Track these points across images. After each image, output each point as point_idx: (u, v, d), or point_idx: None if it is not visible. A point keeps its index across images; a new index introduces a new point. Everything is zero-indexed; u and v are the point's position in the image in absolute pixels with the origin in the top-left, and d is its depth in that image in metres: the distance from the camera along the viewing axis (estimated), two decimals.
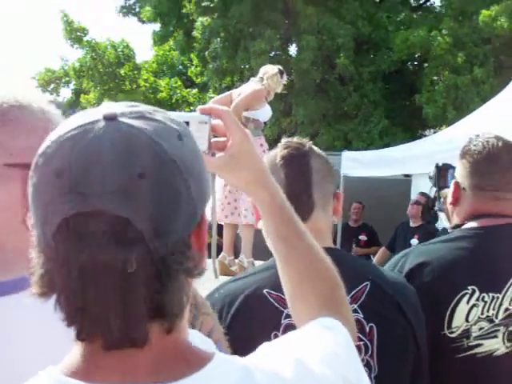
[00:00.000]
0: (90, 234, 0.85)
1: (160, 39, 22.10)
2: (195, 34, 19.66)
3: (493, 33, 15.97)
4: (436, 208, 4.85)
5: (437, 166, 4.54)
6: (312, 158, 1.99)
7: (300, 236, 1.33)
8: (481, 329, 2.20)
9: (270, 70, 7.04)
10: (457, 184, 2.41)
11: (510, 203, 2.34)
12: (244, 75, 17.28)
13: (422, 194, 8.21)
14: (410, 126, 18.01)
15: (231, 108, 6.49)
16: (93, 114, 0.91)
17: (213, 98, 16.00)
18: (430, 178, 4.62)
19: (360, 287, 1.91)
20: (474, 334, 2.19)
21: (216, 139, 1.36)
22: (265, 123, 7.38)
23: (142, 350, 0.89)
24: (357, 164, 10.63)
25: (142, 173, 0.86)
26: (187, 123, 1.06)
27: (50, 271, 0.89)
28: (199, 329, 1.36)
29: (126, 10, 22.76)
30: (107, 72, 19.39)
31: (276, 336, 1.79)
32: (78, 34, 19.65)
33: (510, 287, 2.22)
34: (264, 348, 1.05)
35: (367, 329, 1.89)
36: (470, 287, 2.20)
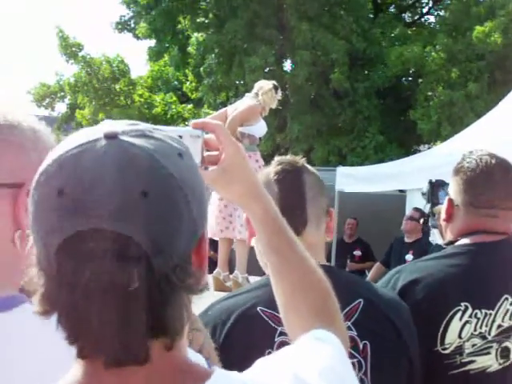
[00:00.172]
0: (92, 253, 0.85)
1: (155, 55, 22.13)
2: (190, 49, 19.75)
3: (487, 49, 16.04)
4: (430, 224, 4.84)
5: (430, 183, 4.55)
6: (305, 174, 2.01)
7: (293, 248, 1.34)
8: (474, 345, 2.20)
9: (264, 85, 7.04)
10: (450, 201, 2.42)
11: (503, 220, 2.35)
12: (239, 91, 17.31)
13: (417, 209, 8.20)
14: (404, 141, 18.05)
15: (226, 123, 6.51)
16: (94, 133, 0.91)
17: (207, 113, 16.12)
18: (423, 194, 4.63)
19: (353, 304, 1.92)
20: (466, 351, 2.20)
21: (209, 153, 1.37)
22: (260, 139, 7.39)
23: (143, 368, 0.89)
24: (351, 179, 10.63)
25: (144, 191, 0.86)
26: (180, 137, 1.06)
27: (52, 289, 0.89)
28: (189, 345, 1.36)
29: (121, 27, 22.77)
30: (102, 87, 19.41)
31: (270, 354, 1.79)
32: (74, 49, 19.66)
33: (502, 304, 2.22)
34: (260, 363, 1.05)
35: (361, 346, 1.89)
36: (462, 304, 2.21)
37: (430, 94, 17.23)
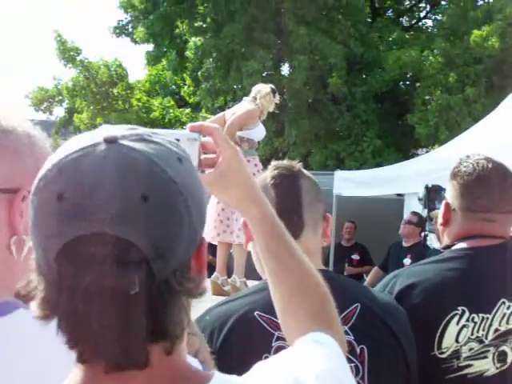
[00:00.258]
0: (93, 257, 0.85)
1: (153, 59, 22.13)
2: (188, 54, 19.76)
3: (484, 53, 16.05)
4: (427, 229, 4.85)
5: (426, 188, 4.55)
6: (302, 179, 2.01)
7: (290, 252, 1.34)
8: (471, 349, 2.20)
9: (262, 89, 7.04)
10: (447, 205, 2.43)
11: (500, 224, 2.35)
12: (237, 95, 17.31)
13: (415, 213, 8.21)
14: (402, 145, 18.05)
15: (225, 128, 6.51)
16: (93, 137, 0.91)
17: (205, 117, 16.11)
18: (420, 199, 4.63)
19: (350, 309, 1.92)
20: (464, 355, 2.20)
21: (206, 156, 1.37)
22: (258, 142, 7.38)
23: (143, 372, 0.89)
24: (349, 183, 10.62)
25: (145, 195, 0.86)
26: (177, 140, 1.07)
27: (52, 294, 0.89)
28: None
29: (119, 31, 22.79)
30: (100, 91, 19.40)
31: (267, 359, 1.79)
32: (72, 53, 19.66)
33: (499, 308, 2.22)
34: (259, 367, 1.05)
35: (358, 351, 1.89)
36: (459, 308, 2.21)
37: (427, 98, 17.23)
